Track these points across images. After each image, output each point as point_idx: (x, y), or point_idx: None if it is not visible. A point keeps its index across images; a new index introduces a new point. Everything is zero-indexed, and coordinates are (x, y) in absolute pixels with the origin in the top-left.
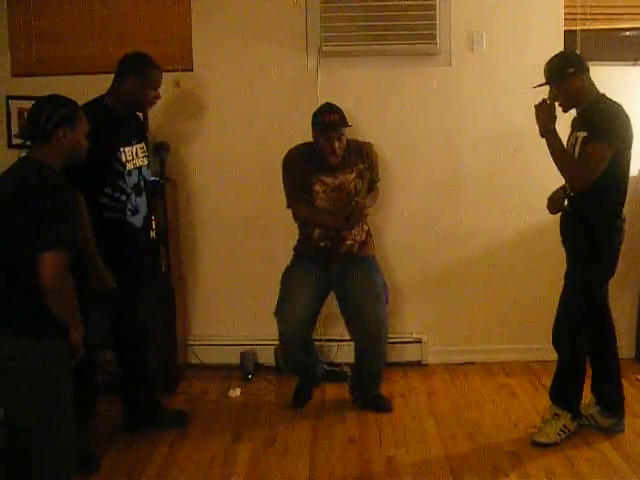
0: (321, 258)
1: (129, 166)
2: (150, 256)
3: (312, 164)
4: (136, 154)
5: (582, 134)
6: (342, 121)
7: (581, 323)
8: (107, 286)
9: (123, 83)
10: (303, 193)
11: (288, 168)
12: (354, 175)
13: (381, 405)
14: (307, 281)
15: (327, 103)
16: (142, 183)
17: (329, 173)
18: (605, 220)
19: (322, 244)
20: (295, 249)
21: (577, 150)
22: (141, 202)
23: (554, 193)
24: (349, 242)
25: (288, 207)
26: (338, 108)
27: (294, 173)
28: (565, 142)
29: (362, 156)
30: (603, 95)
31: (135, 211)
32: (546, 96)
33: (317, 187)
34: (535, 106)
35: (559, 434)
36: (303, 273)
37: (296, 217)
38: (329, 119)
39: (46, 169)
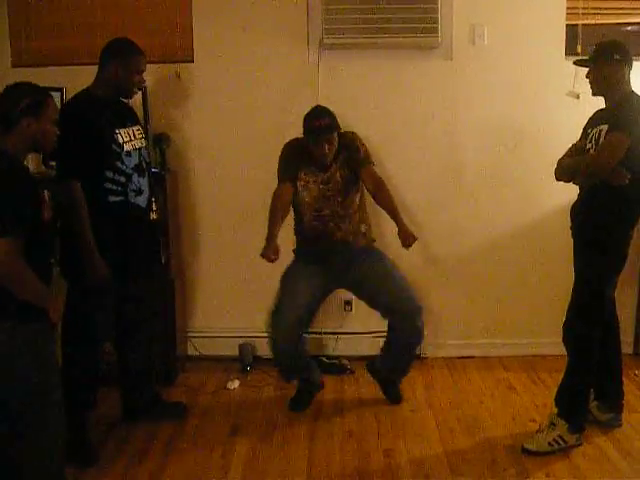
0: (319, 253)
1: (127, 147)
2: (152, 238)
3: (304, 160)
4: (133, 135)
5: (606, 127)
6: (332, 126)
7: (590, 317)
8: (103, 281)
9: (107, 70)
10: (292, 179)
11: (283, 155)
12: (337, 167)
13: (391, 394)
14: (304, 281)
15: (317, 106)
16: (144, 164)
17: (319, 170)
18: (619, 212)
19: (314, 224)
20: (294, 250)
21: (601, 142)
22: (144, 183)
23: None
24: (339, 234)
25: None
26: (329, 111)
27: (287, 162)
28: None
29: (342, 148)
30: (633, 92)
31: (139, 192)
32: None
33: (307, 177)
34: None
35: (551, 444)
36: (301, 273)
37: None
38: (319, 124)
39: (3, 158)
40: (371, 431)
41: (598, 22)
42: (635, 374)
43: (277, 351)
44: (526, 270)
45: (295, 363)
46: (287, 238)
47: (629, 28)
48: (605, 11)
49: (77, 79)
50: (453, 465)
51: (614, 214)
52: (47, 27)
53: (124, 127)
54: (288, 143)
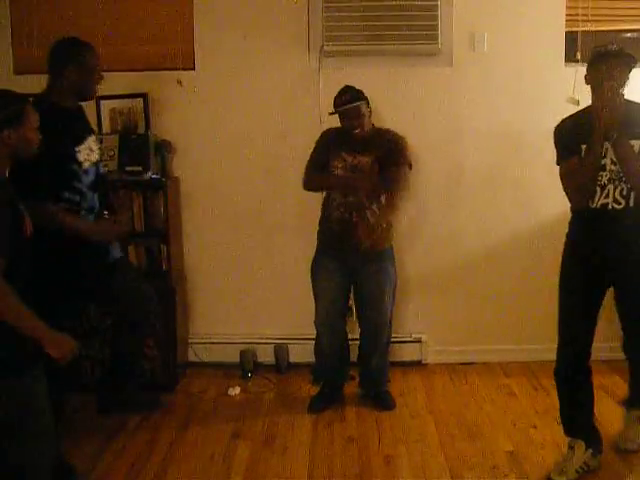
0: (341, 250)
1: (86, 165)
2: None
3: (339, 141)
4: (90, 149)
5: (638, 142)
6: (354, 97)
7: None
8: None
9: (64, 75)
10: (322, 167)
11: (318, 141)
12: (371, 159)
13: (383, 402)
14: (334, 279)
15: (345, 86)
16: (97, 178)
17: (350, 152)
18: None
19: (341, 212)
20: (318, 238)
21: None
22: (95, 199)
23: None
24: (369, 212)
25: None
26: (352, 87)
27: (320, 146)
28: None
29: (384, 141)
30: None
31: (90, 209)
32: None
33: (336, 162)
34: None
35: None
36: (327, 270)
37: (304, 183)
38: (342, 99)
39: None
40: (372, 437)
41: (597, 29)
42: None
43: (322, 351)
44: (527, 276)
45: (335, 355)
46: (287, 237)
47: (628, 35)
48: (604, 18)
49: None
50: (453, 470)
51: None
52: (49, 34)
53: (84, 142)
54: (324, 131)
